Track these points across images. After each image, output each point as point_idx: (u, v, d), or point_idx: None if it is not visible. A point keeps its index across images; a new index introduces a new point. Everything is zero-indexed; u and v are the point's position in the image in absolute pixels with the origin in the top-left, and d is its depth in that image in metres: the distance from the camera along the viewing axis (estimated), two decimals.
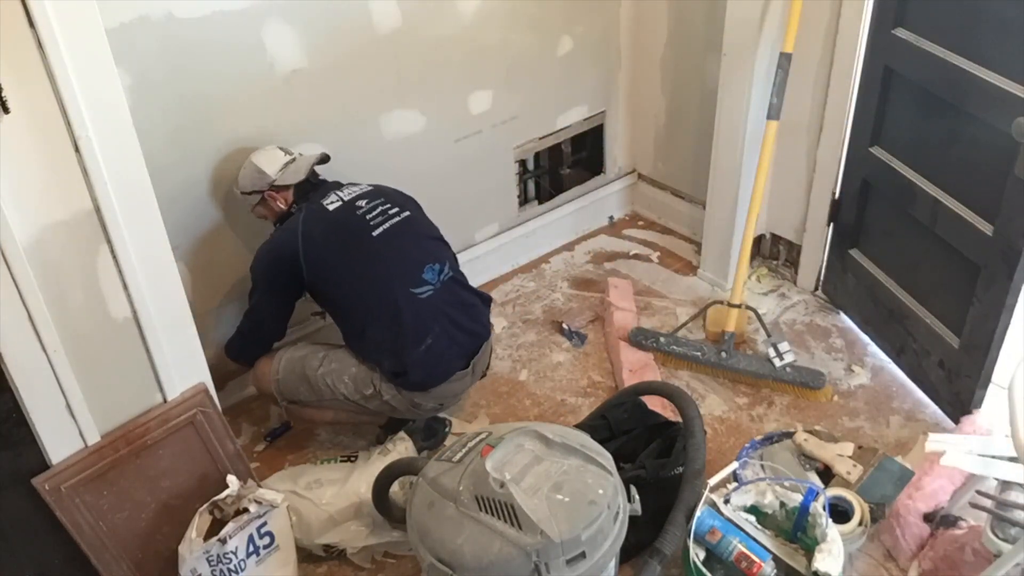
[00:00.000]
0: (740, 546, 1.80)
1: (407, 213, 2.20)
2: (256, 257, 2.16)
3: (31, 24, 1.43)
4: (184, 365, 1.89)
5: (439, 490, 1.66)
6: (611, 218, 3.35)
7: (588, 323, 2.83)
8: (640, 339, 2.63)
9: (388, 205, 2.18)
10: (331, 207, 2.13)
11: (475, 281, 2.99)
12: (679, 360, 2.61)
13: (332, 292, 2.13)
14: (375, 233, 2.11)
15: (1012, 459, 1.85)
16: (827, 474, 2.13)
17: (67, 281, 1.64)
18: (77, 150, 1.55)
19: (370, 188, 2.22)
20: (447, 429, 2.40)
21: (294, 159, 2.21)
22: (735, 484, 1.98)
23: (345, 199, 2.15)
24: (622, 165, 3.30)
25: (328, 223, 2.11)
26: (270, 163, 2.17)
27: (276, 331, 2.25)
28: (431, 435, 2.34)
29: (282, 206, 2.20)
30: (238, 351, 2.27)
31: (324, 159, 2.27)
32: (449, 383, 2.17)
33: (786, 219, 2.86)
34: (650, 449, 2.07)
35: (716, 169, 2.78)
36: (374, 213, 2.14)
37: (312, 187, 2.21)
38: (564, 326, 2.79)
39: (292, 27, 2.24)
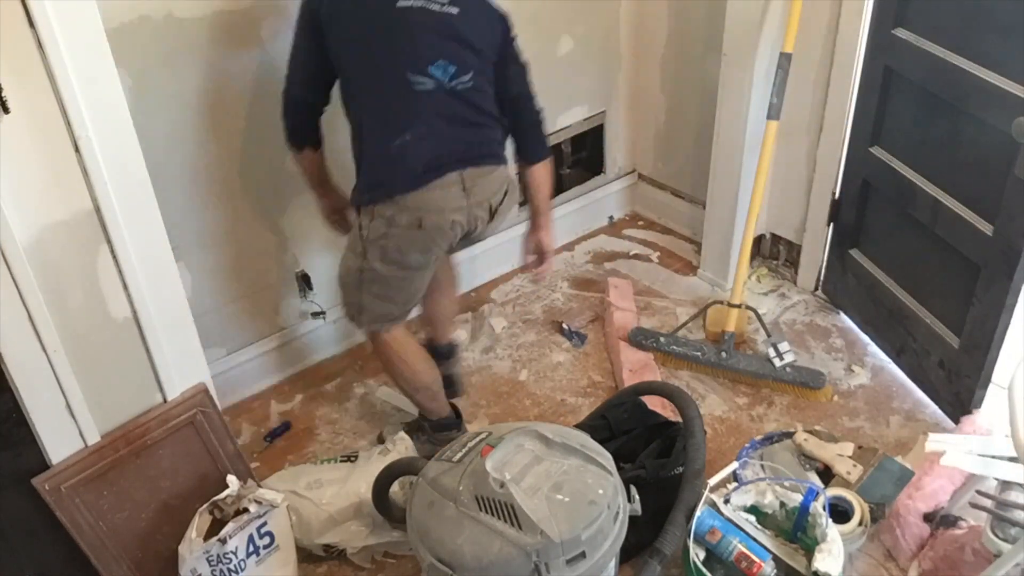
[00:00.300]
0: (740, 546, 1.80)
1: (452, 11, 1.87)
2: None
3: (31, 24, 1.43)
4: (184, 365, 1.90)
5: (439, 490, 1.66)
6: (611, 218, 3.35)
7: (588, 323, 2.83)
8: (640, 339, 2.63)
9: None
10: None
11: (475, 281, 3.01)
12: (679, 360, 2.61)
13: (341, 62, 1.91)
14: (398, 5, 1.84)
15: (1012, 459, 1.85)
16: (827, 474, 2.13)
17: (67, 281, 1.64)
18: (77, 150, 1.55)
19: None
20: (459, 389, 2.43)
21: None
22: (735, 484, 1.98)
23: None
24: (622, 165, 3.30)
25: None
26: None
27: (304, 96, 2.00)
28: (449, 384, 2.33)
29: None
30: (287, 128, 2.05)
31: None
32: (429, 189, 1.87)
33: (786, 219, 2.86)
34: (650, 449, 2.07)
35: (716, 169, 2.78)
36: None
37: None
38: (564, 326, 2.79)
39: (292, 27, 2.23)
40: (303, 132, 2.07)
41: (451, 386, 2.42)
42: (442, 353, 2.43)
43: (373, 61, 1.88)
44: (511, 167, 2.10)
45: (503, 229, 3.00)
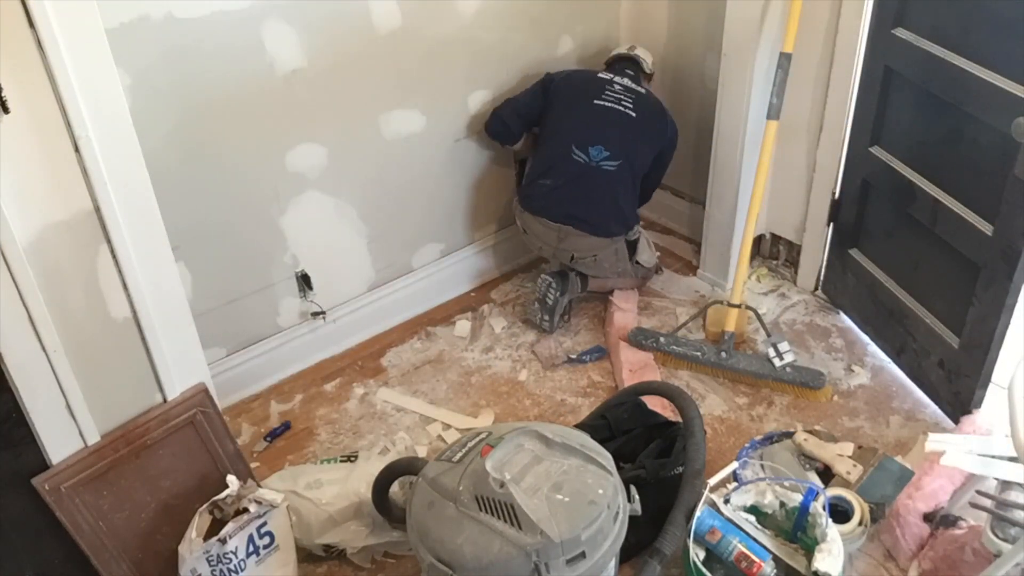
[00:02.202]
0: (740, 546, 1.80)
1: (632, 115, 2.62)
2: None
3: (31, 24, 1.43)
4: (184, 365, 1.89)
5: (439, 490, 1.66)
6: None
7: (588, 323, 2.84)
8: (640, 339, 2.63)
9: (626, 101, 2.63)
10: (598, 74, 2.71)
11: (475, 281, 3.02)
12: (679, 360, 2.61)
13: (545, 119, 2.69)
14: (595, 102, 2.62)
15: (1012, 459, 1.85)
16: (827, 474, 2.13)
17: (67, 281, 1.64)
18: (77, 150, 1.55)
19: (631, 94, 2.65)
20: (570, 289, 2.76)
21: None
22: (735, 484, 1.98)
23: (609, 80, 2.67)
24: None
25: (582, 77, 2.72)
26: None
27: (509, 123, 2.69)
28: (563, 281, 2.73)
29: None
30: (489, 134, 2.75)
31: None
32: (536, 218, 2.67)
33: (786, 219, 2.86)
34: (650, 449, 2.07)
35: (716, 169, 2.78)
36: (612, 93, 2.63)
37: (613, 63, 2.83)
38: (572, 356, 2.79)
39: (292, 27, 2.24)
40: (502, 139, 2.76)
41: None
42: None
43: (561, 128, 2.66)
44: (615, 240, 2.69)
45: (503, 229, 3.04)
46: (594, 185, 2.59)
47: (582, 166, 2.58)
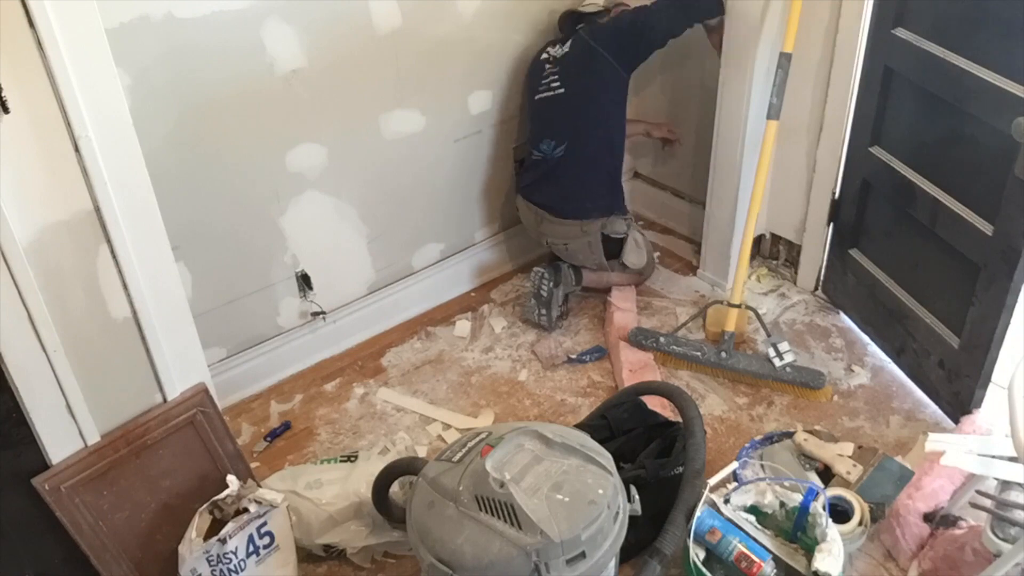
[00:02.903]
0: (740, 546, 1.80)
1: (561, 91, 2.62)
2: None
3: (31, 24, 1.43)
4: (184, 365, 1.89)
5: (439, 490, 1.66)
6: None
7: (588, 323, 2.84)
8: (640, 339, 2.63)
9: (553, 80, 2.64)
10: (540, 57, 2.71)
11: (475, 281, 3.02)
12: (679, 360, 2.61)
13: None
14: (536, 98, 2.70)
15: (1012, 459, 1.85)
16: (827, 474, 2.13)
17: (67, 281, 1.64)
18: (77, 150, 1.55)
19: (556, 65, 2.64)
20: (565, 283, 2.78)
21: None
22: (735, 484, 1.98)
23: (543, 63, 2.70)
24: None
25: (530, 72, 2.75)
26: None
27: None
28: (555, 272, 2.76)
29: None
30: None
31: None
32: (524, 201, 2.80)
33: (786, 219, 2.86)
34: (650, 449, 2.07)
35: (716, 169, 2.78)
36: (544, 79, 2.65)
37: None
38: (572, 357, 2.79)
39: (292, 27, 2.24)
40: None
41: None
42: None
43: (527, 132, 2.83)
44: (586, 230, 2.71)
45: (503, 230, 3.04)
46: (556, 175, 2.69)
47: (542, 162, 2.70)
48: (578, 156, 2.65)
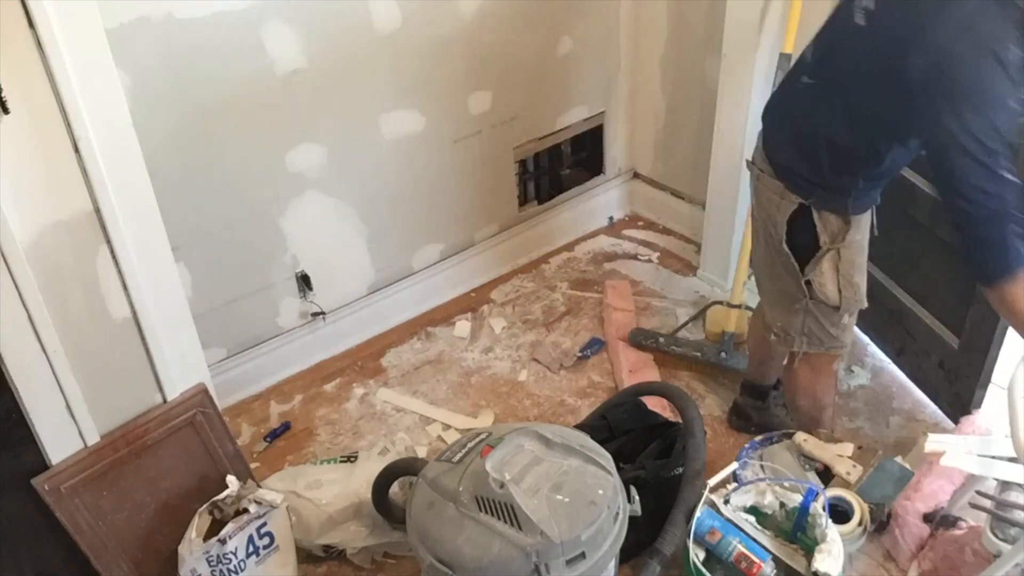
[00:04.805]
0: (740, 546, 1.80)
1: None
2: None
3: (31, 24, 1.43)
4: (184, 365, 1.89)
5: (439, 490, 1.66)
6: (611, 218, 3.35)
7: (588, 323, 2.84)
8: (640, 339, 2.63)
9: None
10: None
11: (475, 281, 3.02)
12: (679, 360, 2.61)
13: None
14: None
15: (1012, 459, 1.85)
16: (827, 474, 2.13)
17: (67, 281, 1.64)
18: (77, 150, 1.55)
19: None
20: None
21: None
22: (735, 484, 1.98)
23: None
24: (622, 166, 3.30)
25: None
26: None
27: None
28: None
29: None
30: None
31: None
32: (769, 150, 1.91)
33: None
34: (650, 449, 2.07)
35: (716, 169, 2.78)
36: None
37: None
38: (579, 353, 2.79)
39: (292, 27, 2.24)
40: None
41: None
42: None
43: None
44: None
45: (503, 230, 3.04)
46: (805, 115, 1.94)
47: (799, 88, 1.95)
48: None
